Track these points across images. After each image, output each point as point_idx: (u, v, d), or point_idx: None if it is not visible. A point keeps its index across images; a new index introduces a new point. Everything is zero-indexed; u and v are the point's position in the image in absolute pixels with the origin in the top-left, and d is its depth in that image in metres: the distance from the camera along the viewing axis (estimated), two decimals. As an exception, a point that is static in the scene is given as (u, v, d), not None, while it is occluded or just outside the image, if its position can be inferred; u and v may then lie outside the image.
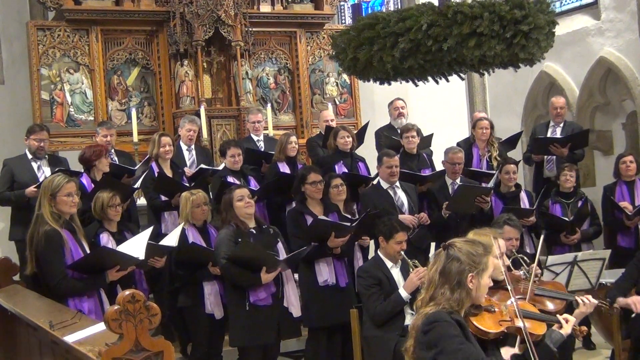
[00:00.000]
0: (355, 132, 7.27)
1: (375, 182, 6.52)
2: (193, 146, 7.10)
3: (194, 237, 5.42)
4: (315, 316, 5.46)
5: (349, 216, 5.79)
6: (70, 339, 3.24)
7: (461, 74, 5.38)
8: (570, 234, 6.37)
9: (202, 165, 6.68)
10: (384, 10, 9.87)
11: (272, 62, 8.88)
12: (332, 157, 6.82)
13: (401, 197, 6.29)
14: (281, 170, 6.58)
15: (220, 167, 6.73)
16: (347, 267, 5.73)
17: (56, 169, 5.84)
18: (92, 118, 7.86)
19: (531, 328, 3.22)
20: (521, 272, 4.58)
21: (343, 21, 10.91)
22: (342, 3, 10.43)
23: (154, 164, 6.40)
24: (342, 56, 5.39)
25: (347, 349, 5.53)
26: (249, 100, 8.28)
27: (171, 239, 5.22)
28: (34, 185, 5.84)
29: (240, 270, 4.96)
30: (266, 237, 5.21)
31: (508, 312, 3.12)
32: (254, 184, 6.46)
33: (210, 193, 6.25)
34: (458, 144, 7.20)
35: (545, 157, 7.37)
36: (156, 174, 6.28)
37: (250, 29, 8.35)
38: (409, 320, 4.76)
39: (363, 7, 10.53)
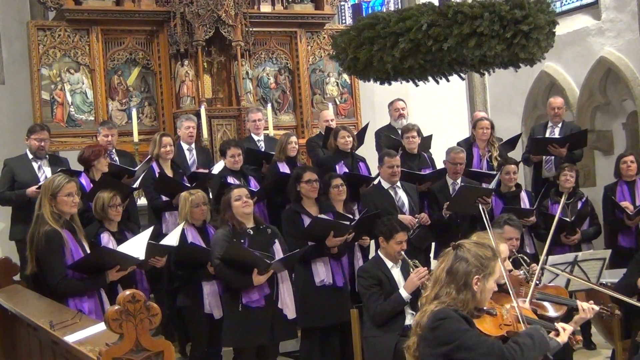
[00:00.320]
0: (355, 133, 7.27)
1: (376, 182, 6.52)
2: (193, 146, 7.11)
3: (193, 237, 5.42)
4: (311, 316, 5.43)
5: (350, 216, 5.78)
6: (70, 339, 3.24)
7: (461, 74, 5.38)
8: (571, 234, 6.36)
9: (199, 170, 6.68)
10: (384, 10, 9.87)
11: (272, 62, 8.89)
12: (333, 158, 6.83)
13: (402, 197, 6.29)
14: (281, 170, 6.58)
15: (216, 167, 6.72)
16: (347, 268, 5.74)
17: (58, 170, 5.84)
18: (93, 118, 7.86)
19: None
20: (521, 272, 4.58)
21: (343, 21, 10.90)
22: (342, 3, 10.44)
23: (154, 164, 6.41)
24: (342, 56, 5.39)
25: (346, 349, 5.54)
26: (250, 100, 8.28)
27: (172, 239, 5.22)
28: (36, 186, 5.84)
29: (232, 271, 4.94)
30: (262, 237, 5.17)
31: (509, 316, 3.13)
32: (254, 184, 6.46)
33: (210, 193, 6.25)
34: (458, 144, 7.20)
35: (544, 157, 7.37)
36: (157, 174, 6.28)
37: (250, 29, 8.35)
38: (409, 320, 4.76)
39: (363, 7, 10.54)
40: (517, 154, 7.80)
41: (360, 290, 5.03)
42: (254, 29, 8.45)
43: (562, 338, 3.33)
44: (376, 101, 9.37)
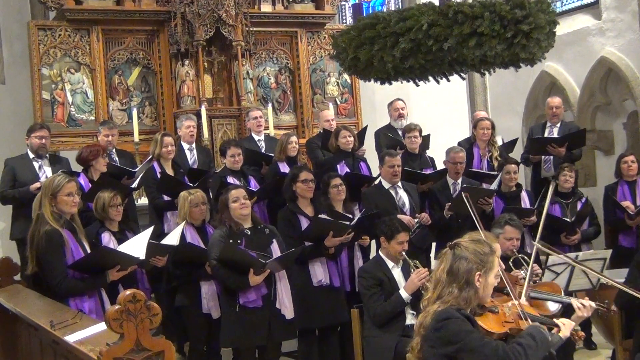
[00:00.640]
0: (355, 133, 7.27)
1: (377, 181, 6.52)
2: (194, 145, 7.11)
3: (191, 236, 5.41)
4: (308, 317, 5.41)
5: (349, 215, 5.77)
6: (71, 338, 3.24)
7: (462, 74, 5.38)
8: (570, 234, 6.36)
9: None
10: (384, 10, 9.87)
11: (273, 62, 8.89)
12: (334, 158, 6.82)
13: (403, 197, 6.28)
14: (282, 170, 6.58)
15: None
16: (347, 268, 5.73)
17: (59, 170, 5.84)
18: (93, 118, 7.86)
19: None
20: (522, 272, 4.58)
21: (344, 21, 10.91)
22: (343, 3, 10.44)
23: (155, 164, 6.41)
24: (342, 56, 5.39)
25: (347, 349, 5.54)
26: (250, 100, 8.28)
27: (172, 238, 5.22)
28: (39, 182, 5.86)
29: (229, 272, 4.92)
30: (260, 237, 5.15)
31: (511, 314, 3.14)
32: (254, 184, 6.46)
33: (210, 193, 6.25)
34: (459, 144, 7.20)
35: (543, 157, 7.37)
36: (158, 174, 6.28)
37: (251, 29, 8.36)
38: (409, 320, 4.76)
39: (364, 6, 10.54)
40: (516, 154, 7.80)
41: (360, 290, 5.02)
42: (255, 29, 8.46)
43: (564, 333, 3.33)
44: (377, 101, 9.37)
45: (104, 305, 4.46)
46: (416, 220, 6.22)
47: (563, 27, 8.25)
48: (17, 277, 5.13)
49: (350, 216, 5.75)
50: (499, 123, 8.00)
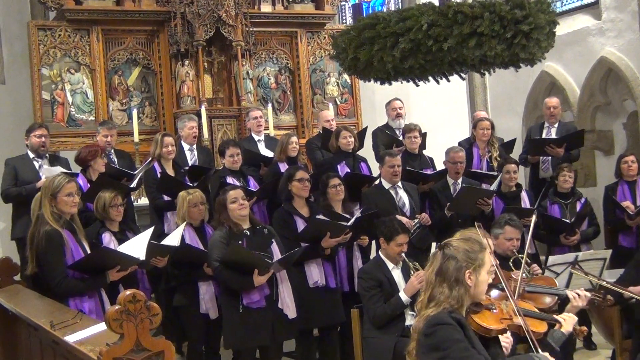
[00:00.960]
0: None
1: (377, 182, 6.52)
2: (195, 146, 7.11)
3: (190, 236, 5.41)
4: (305, 318, 5.39)
5: (347, 216, 5.77)
6: (71, 339, 3.25)
7: (462, 74, 5.38)
8: (570, 235, 6.36)
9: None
10: (384, 10, 9.87)
11: (272, 62, 8.89)
12: (334, 158, 6.82)
13: (403, 197, 6.28)
14: (282, 170, 6.57)
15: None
16: (346, 268, 5.73)
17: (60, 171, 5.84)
18: (93, 118, 7.86)
19: (531, 326, 3.23)
20: (523, 274, 4.57)
21: (344, 21, 10.90)
22: (342, 3, 10.43)
23: (156, 164, 6.41)
24: (342, 56, 5.39)
25: (346, 349, 5.53)
26: (250, 100, 8.28)
27: (173, 239, 5.22)
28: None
29: (232, 273, 4.91)
30: (260, 238, 5.15)
31: (508, 310, 3.14)
32: (253, 184, 6.45)
33: (210, 193, 6.25)
34: (459, 144, 7.20)
35: (541, 157, 7.37)
36: (159, 174, 6.28)
37: (251, 29, 8.36)
38: (409, 321, 4.75)
39: (364, 7, 10.53)
40: (515, 155, 7.79)
41: (360, 291, 5.01)
42: (255, 29, 8.46)
43: (566, 328, 3.33)
44: (377, 101, 9.36)
45: (103, 305, 4.47)
46: (416, 220, 6.22)
47: (563, 27, 8.24)
48: (17, 277, 5.13)
49: (348, 217, 5.74)
50: (499, 123, 8.00)
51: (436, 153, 7.37)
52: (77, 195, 4.53)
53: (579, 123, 8.58)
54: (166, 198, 6.25)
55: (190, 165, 6.80)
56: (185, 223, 5.36)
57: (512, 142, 7.65)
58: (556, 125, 7.49)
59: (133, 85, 8.25)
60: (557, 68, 9.04)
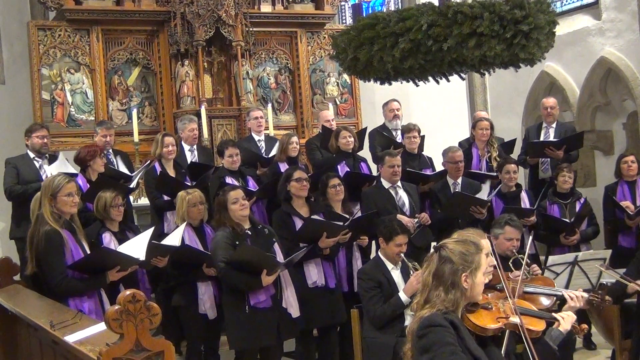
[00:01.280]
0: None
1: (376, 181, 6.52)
2: (195, 146, 7.10)
3: (189, 237, 5.39)
4: (304, 318, 5.37)
5: (347, 216, 5.76)
6: (70, 339, 3.24)
7: (462, 74, 5.38)
8: (570, 235, 6.36)
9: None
10: (384, 10, 9.87)
11: (272, 62, 8.89)
12: (334, 158, 6.82)
13: (402, 197, 6.28)
14: (282, 171, 6.57)
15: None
16: (345, 268, 5.72)
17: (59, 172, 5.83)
18: (93, 118, 7.86)
19: (529, 324, 3.23)
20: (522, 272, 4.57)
21: (344, 21, 10.91)
22: (342, 3, 10.43)
23: (156, 164, 6.41)
24: (342, 56, 5.39)
25: (346, 349, 5.53)
26: (250, 100, 8.29)
27: (173, 239, 5.21)
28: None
29: (239, 274, 4.89)
30: (262, 237, 5.15)
31: (505, 309, 3.13)
32: (252, 184, 6.45)
33: (210, 193, 6.25)
34: (459, 144, 7.19)
35: (540, 158, 7.37)
36: (158, 174, 6.28)
37: (250, 29, 8.36)
38: (408, 321, 4.74)
39: (363, 7, 10.53)
40: (514, 155, 7.79)
41: (360, 291, 5.01)
42: (254, 29, 8.46)
43: (564, 326, 3.31)
44: (376, 101, 9.35)
45: (103, 305, 4.46)
46: (416, 220, 6.22)
47: (563, 27, 8.24)
48: (17, 277, 5.13)
49: (348, 217, 5.74)
50: (499, 123, 7.99)
51: (436, 153, 7.37)
52: (76, 195, 4.53)
53: (579, 123, 8.58)
54: (166, 198, 6.25)
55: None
56: (185, 223, 5.36)
57: (512, 142, 7.65)
58: (554, 125, 7.49)
59: (133, 85, 8.26)
60: (557, 68, 9.04)
